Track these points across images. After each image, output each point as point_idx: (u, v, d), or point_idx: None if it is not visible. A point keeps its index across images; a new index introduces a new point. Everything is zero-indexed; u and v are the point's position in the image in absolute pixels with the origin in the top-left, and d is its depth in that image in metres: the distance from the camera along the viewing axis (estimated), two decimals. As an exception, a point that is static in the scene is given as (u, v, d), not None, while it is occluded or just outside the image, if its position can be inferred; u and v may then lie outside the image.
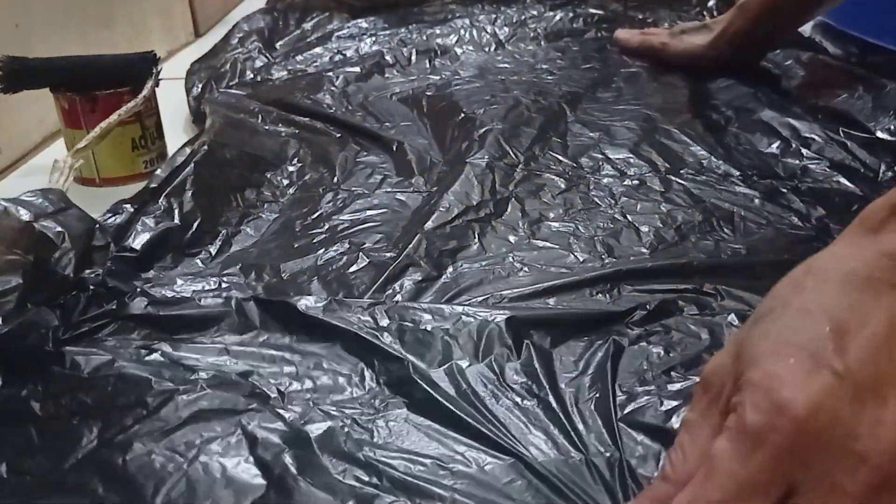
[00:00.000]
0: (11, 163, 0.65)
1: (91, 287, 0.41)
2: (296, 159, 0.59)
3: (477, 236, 0.47)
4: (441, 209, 0.48)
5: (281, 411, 0.33)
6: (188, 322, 0.39)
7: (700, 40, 0.74)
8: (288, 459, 0.31)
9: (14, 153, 0.65)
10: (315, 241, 0.48)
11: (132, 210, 0.48)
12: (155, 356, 0.37)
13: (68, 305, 0.39)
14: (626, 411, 0.33)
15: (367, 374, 0.36)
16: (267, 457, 0.31)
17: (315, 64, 0.79)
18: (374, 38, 0.85)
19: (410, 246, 0.45)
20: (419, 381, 0.34)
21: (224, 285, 0.43)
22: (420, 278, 0.43)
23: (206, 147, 0.55)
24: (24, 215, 0.40)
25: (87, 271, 0.41)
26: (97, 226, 0.44)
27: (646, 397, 0.34)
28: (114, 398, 0.34)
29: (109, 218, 0.47)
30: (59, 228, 0.41)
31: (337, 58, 0.81)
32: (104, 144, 0.56)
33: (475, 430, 0.32)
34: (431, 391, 0.33)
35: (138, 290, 0.41)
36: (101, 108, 0.57)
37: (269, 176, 0.57)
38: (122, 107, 0.56)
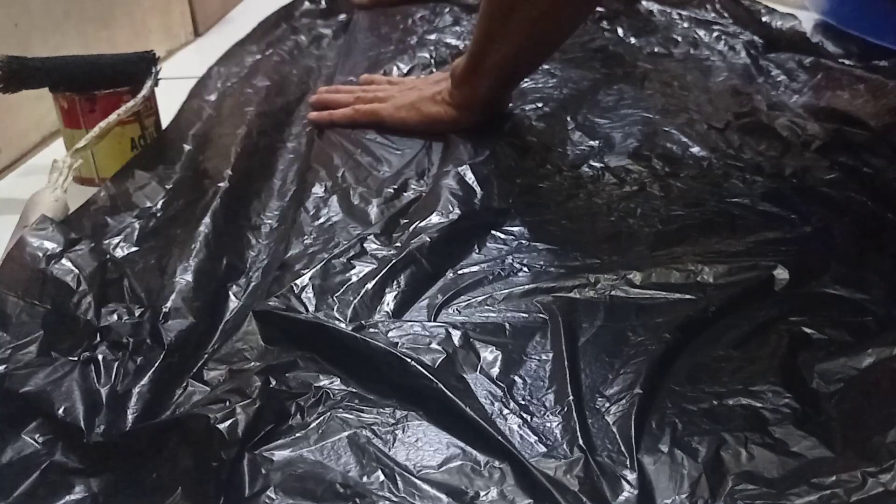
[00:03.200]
0: (11, 162, 0.65)
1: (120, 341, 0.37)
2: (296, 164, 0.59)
3: (476, 241, 0.47)
4: (440, 212, 0.48)
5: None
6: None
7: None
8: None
9: (13, 153, 0.65)
10: (320, 235, 0.48)
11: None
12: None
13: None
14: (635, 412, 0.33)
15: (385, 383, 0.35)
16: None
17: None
18: (373, 39, 0.85)
19: (412, 243, 0.45)
20: (434, 390, 0.34)
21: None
22: (421, 277, 0.43)
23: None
24: (37, 261, 0.39)
25: (108, 308, 0.39)
26: (108, 258, 0.43)
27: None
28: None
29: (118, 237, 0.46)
30: (74, 270, 0.40)
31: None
32: (103, 144, 0.56)
33: (489, 439, 0.32)
34: (445, 401, 0.33)
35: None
36: (100, 107, 0.57)
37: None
38: (121, 106, 0.56)
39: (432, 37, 0.85)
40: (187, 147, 0.57)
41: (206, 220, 0.47)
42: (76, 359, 0.36)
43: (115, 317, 0.39)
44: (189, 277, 0.42)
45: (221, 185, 0.51)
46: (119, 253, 0.45)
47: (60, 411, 0.32)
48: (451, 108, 0.62)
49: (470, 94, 0.61)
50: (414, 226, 0.47)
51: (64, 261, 0.40)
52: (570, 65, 0.77)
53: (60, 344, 0.36)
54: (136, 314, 0.39)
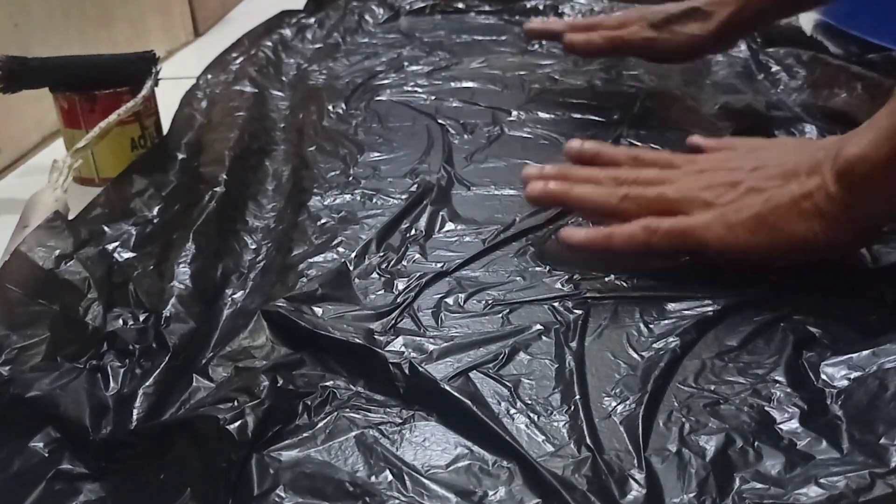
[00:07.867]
0: (11, 162, 0.64)
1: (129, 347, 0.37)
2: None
3: (483, 242, 0.47)
4: (448, 224, 0.48)
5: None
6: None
7: (698, 30, 0.65)
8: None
9: (13, 153, 0.65)
10: (321, 235, 0.48)
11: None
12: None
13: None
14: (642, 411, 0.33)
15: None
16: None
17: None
18: (382, 48, 0.85)
19: (416, 243, 0.45)
20: (440, 390, 0.34)
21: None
22: (425, 277, 0.43)
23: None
24: (46, 262, 0.39)
25: (114, 312, 0.39)
26: (114, 261, 0.43)
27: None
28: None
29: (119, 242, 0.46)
30: (84, 273, 0.39)
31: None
32: (103, 144, 0.56)
33: (496, 439, 0.32)
34: (451, 401, 0.33)
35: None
36: (100, 107, 0.57)
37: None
38: (121, 106, 0.56)
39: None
40: (181, 156, 0.57)
41: (203, 223, 0.47)
42: (83, 366, 0.35)
43: (120, 322, 0.39)
44: (188, 281, 0.41)
45: (217, 189, 0.51)
46: (119, 258, 0.45)
47: (66, 415, 0.32)
48: (833, 225, 0.39)
49: (885, 205, 0.39)
50: (416, 226, 0.47)
51: (74, 262, 0.40)
52: (571, 70, 0.77)
53: (67, 348, 0.36)
54: (141, 319, 0.39)
